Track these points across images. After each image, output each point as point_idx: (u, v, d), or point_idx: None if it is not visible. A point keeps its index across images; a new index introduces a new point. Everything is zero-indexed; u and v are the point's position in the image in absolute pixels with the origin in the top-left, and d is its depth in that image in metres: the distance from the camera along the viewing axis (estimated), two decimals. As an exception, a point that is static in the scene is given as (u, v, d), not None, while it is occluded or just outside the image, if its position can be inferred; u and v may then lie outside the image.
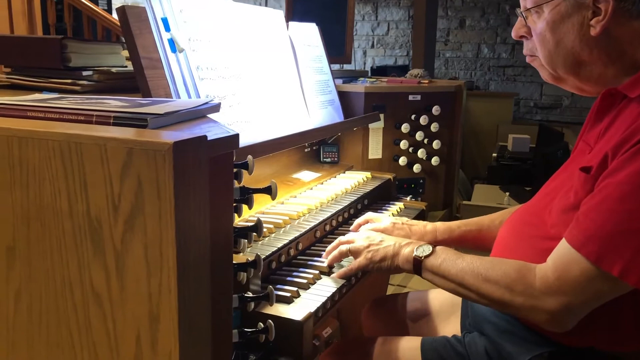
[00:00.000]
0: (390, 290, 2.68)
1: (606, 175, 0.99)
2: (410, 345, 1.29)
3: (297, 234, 1.35)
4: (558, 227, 1.06)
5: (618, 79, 1.10)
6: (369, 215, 1.52)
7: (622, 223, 0.95)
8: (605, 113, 1.12)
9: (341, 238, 1.35)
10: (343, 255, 1.31)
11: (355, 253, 1.29)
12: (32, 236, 0.82)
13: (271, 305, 1.07)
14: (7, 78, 1.38)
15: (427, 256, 1.18)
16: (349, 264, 1.30)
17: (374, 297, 1.72)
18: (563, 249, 1.01)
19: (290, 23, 1.86)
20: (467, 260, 1.12)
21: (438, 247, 1.19)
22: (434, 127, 2.24)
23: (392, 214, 1.73)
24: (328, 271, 1.31)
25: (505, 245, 1.24)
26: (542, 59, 1.16)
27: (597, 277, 0.97)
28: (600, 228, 0.96)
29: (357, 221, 1.51)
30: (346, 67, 2.85)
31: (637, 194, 0.94)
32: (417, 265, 1.19)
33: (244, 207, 0.97)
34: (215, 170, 0.81)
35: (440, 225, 1.47)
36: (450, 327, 1.46)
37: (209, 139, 0.78)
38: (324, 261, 1.33)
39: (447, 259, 1.15)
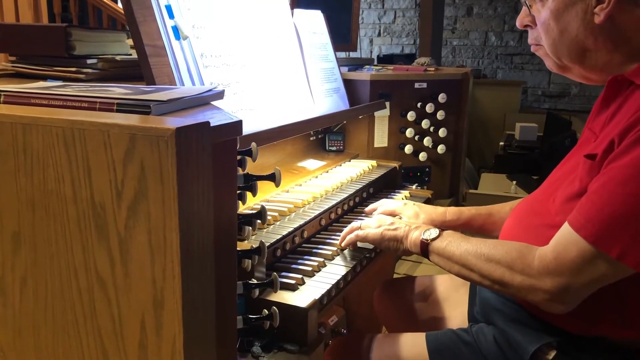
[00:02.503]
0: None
1: (611, 160, 0.98)
2: (414, 340, 1.29)
3: (302, 221, 1.36)
4: (562, 215, 1.05)
5: (624, 67, 1.09)
6: (382, 200, 1.58)
7: (622, 206, 0.95)
8: (612, 100, 1.11)
9: (353, 223, 1.38)
10: (354, 230, 1.34)
11: (365, 229, 1.33)
12: (37, 222, 0.82)
13: (275, 292, 1.08)
14: (12, 66, 1.38)
15: (433, 239, 1.20)
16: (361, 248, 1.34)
17: (383, 281, 1.73)
18: (564, 230, 1.02)
19: (295, 10, 1.85)
20: (472, 242, 1.14)
21: (445, 231, 1.21)
22: (440, 115, 2.23)
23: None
24: (332, 258, 1.31)
25: (511, 234, 1.24)
26: (546, 48, 1.16)
27: (595, 259, 0.97)
28: (600, 210, 0.96)
29: (371, 205, 1.56)
30: (352, 55, 2.84)
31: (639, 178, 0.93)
32: (424, 248, 1.21)
33: (249, 194, 0.97)
34: (218, 157, 0.81)
35: (450, 208, 1.50)
36: (457, 311, 1.46)
37: (211, 125, 0.78)
38: (329, 249, 1.34)
39: (452, 242, 1.17)
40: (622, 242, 0.95)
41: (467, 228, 1.48)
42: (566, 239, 1.00)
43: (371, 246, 1.35)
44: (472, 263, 1.11)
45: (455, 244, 1.16)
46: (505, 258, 1.07)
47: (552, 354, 1.11)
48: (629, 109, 1.02)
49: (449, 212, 1.48)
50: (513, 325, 1.18)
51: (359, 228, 1.34)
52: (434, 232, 1.21)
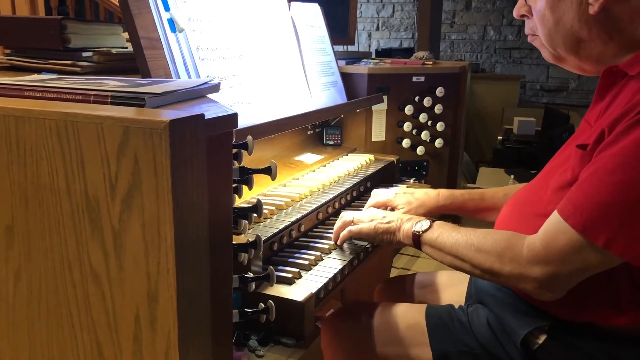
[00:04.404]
0: (394, 273, 2.68)
1: (601, 149, 0.99)
2: (414, 310, 1.30)
3: (299, 215, 1.35)
4: (554, 204, 1.06)
5: (618, 58, 1.09)
6: (375, 190, 1.56)
7: (611, 194, 0.95)
8: (607, 92, 1.12)
9: (345, 216, 1.37)
10: (346, 225, 1.34)
11: (358, 223, 1.32)
12: (31, 215, 0.82)
13: (271, 285, 1.07)
14: (7, 59, 1.37)
15: (424, 231, 1.20)
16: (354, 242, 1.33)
17: (381, 279, 1.73)
18: (553, 219, 1.03)
19: (293, 3, 1.84)
20: (462, 233, 1.14)
21: (436, 222, 1.21)
22: (438, 108, 2.22)
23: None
24: (329, 252, 1.31)
25: (505, 223, 1.25)
26: (542, 37, 1.16)
27: (583, 248, 0.98)
28: (589, 199, 0.97)
29: (368, 202, 1.54)
30: (350, 48, 2.83)
31: (628, 167, 0.94)
32: (416, 240, 1.21)
33: (245, 188, 0.96)
34: (213, 150, 0.80)
35: (443, 190, 1.50)
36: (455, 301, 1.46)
37: (206, 117, 0.77)
38: (326, 243, 1.33)
39: (443, 233, 1.17)
40: (609, 231, 0.95)
41: (461, 212, 1.49)
42: (555, 227, 1.01)
43: (366, 243, 1.35)
44: (463, 254, 1.12)
45: (446, 235, 1.17)
46: (495, 248, 1.08)
47: (543, 338, 1.13)
48: (622, 100, 1.02)
49: (442, 195, 1.48)
50: (505, 310, 1.19)
51: (352, 222, 1.33)
52: (425, 224, 1.21)
